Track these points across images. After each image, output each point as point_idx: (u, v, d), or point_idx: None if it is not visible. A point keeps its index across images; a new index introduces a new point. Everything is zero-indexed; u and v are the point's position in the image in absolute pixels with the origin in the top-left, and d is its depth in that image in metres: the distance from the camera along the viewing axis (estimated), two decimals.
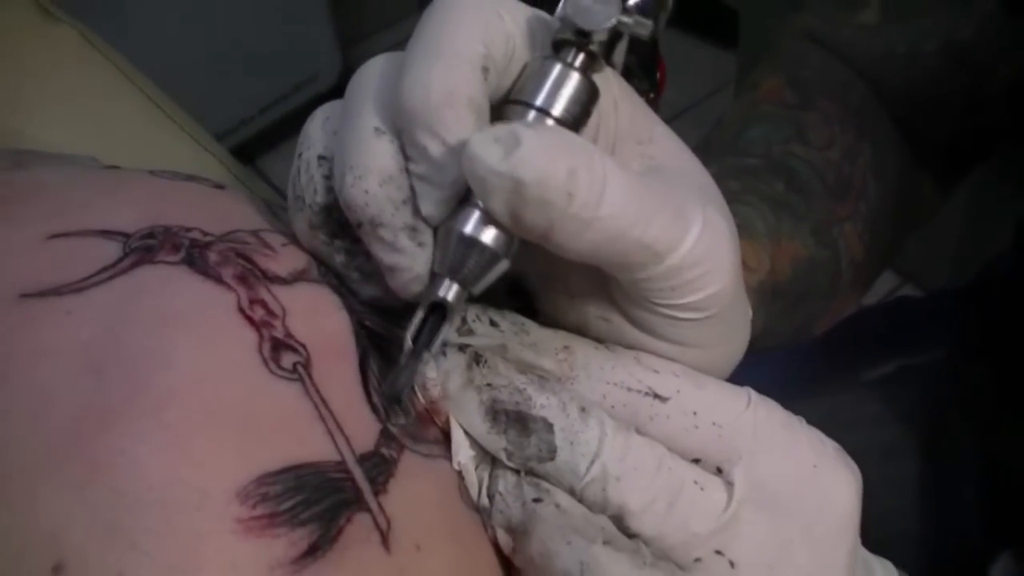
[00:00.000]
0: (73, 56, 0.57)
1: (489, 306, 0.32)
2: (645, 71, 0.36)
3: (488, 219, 0.27)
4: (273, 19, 1.77)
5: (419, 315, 0.28)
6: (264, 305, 0.28)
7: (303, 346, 0.28)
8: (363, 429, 0.27)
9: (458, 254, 0.28)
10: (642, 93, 0.35)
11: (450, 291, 0.28)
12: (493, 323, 0.31)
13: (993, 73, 0.56)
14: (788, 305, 0.51)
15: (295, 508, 0.25)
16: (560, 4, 0.28)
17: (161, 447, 0.24)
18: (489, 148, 0.26)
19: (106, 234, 0.29)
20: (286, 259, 0.30)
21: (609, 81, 0.30)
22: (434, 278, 0.28)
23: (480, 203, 0.27)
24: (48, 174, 0.32)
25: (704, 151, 0.54)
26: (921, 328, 0.79)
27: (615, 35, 0.29)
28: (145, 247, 0.29)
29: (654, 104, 0.35)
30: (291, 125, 1.71)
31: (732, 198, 0.50)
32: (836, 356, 0.79)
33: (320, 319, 0.29)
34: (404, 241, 0.28)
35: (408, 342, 0.28)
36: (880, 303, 0.85)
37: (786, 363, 0.78)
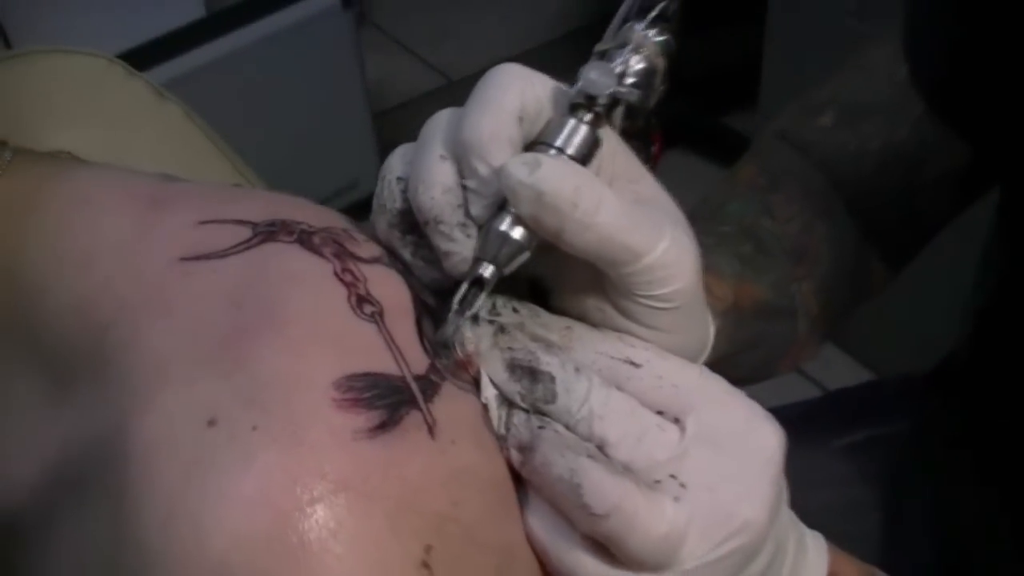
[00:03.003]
0: (177, 129, 0.70)
1: (514, 298, 0.43)
2: (643, 142, 0.48)
3: (517, 220, 0.39)
4: (318, 128, 1.95)
5: (464, 286, 0.40)
6: (352, 273, 0.40)
7: (378, 302, 0.39)
8: (417, 360, 0.39)
9: (494, 244, 0.40)
10: (641, 152, 0.48)
11: (487, 271, 0.40)
12: (515, 310, 0.43)
13: (924, 166, 0.68)
14: (749, 339, 0.62)
15: (371, 398, 0.36)
16: (577, 77, 0.41)
17: (283, 351, 0.36)
18: (520, 168, 0.38)
19: (240, 222, 0.41)
20: (367, 248, 0.42)
21: (610, 136, 0.42)
22: (476, 262, 0.40)
23: (512, 209, 0.39)
24: (193, 185, 0.44)
25: (688, 219, 0.66)
26: (888, 404, 0.90)
27: (614, 101, 0.41)
28: (268, 231, 0.40)
29: (652, 168, 0.48)
30: None
31: (706, 249, 0.62)
32: (813, 425, 0.89)
33: (389, 288, 0.40)
34: (457, 234, 0.40)
35: (455, 304, 0.40)
36: (855, 385, 0.96)
37: None
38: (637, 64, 0.42)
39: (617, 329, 0.42)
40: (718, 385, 0.42)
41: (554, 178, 0.38)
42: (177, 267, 0.39)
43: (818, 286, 0.68)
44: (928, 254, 0.79)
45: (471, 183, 0.40)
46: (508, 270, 0.40)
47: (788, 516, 0.44)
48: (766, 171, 0.71)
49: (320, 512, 0.33)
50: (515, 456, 0.40)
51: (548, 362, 0.40)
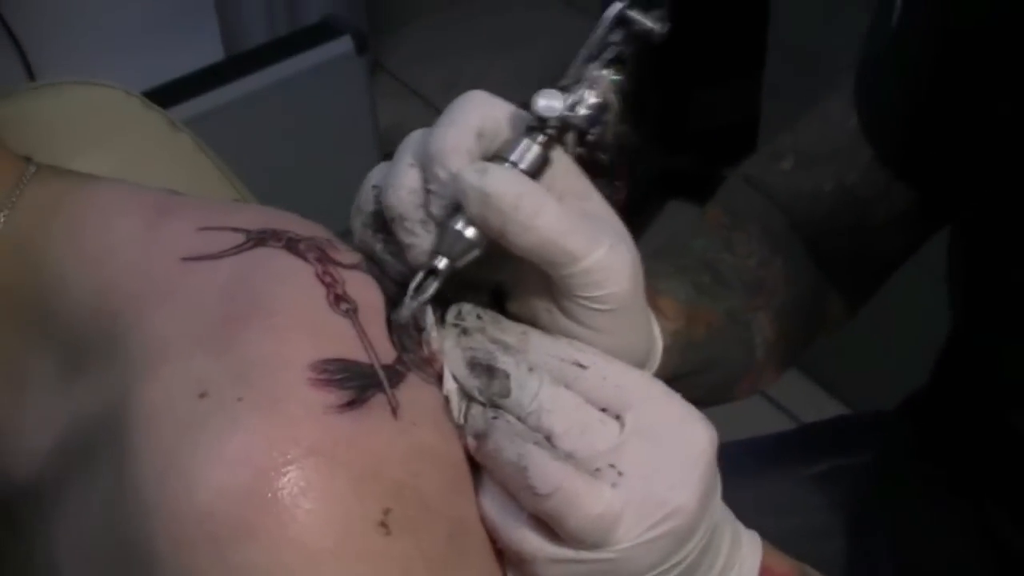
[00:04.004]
0: (188, 158, 0.75)
1: (478, 306, 0.48)
2: (608, 179, 0.54)
3: (470, 221, 0.44)
4: (329, 169, 2.01)
5: (420, 275, 0.45)
6: (331, 275, 0.45)
7: (353, 301, 0.44)
8: (386, 353, 0.44)
9: (449, 240, 0.45)
10: (605, 189, 0.53)
11: (442, 262, 0.45)
12: (479, 316, 0.48)
13: (874, 207, 0.73)
14: (704, 360, 0.67)
15: (342, 380, 0.41)
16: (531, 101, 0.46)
17: (267, 336, 0.41)
18: (471, 173, 0.43)
19: (236, 230, 0.46)
20: (347, 256, 0.47)
21: (562, 157, 0.47)
22: (433, 254, 0.45)
23: (465, 211, 0.44)
24: (194, 198, 0.50)
25: (656, 253, 0.72)
26: (856, 437, 0.94)
27: (564, 126, 0.47)
28: (260, 237, 0.46)
29: (617, 198, 0.53)
30: None
31: (665, 277, 0.67)
32: (784, 455, 0.94)
33: (364, 290, 0.46)
34: (418, 229, 0.46)
35: (411, 290, 0.45)
36: (825, 419, 1.01)
37: (744, 455, 0.93)
38: (591, 98, 0.48)
39: (560, 329, 0.47)
40: (657, 387, 0.46)
41: (499, 183, 0.43)
42: (179, 265, 0.45)
43: (775, 315, 0.73)
44: (905, 291, 0.84)
45: (432, 186, 0.45)
46: (460, 264, 0.45)
47: (723, 510, 0.48)
48: (730, 211, 0.76)
49: (293, 472, 0.38)
50: (471, 443, 0.45)
51: (504, 361, 0.45)
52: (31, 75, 1.84)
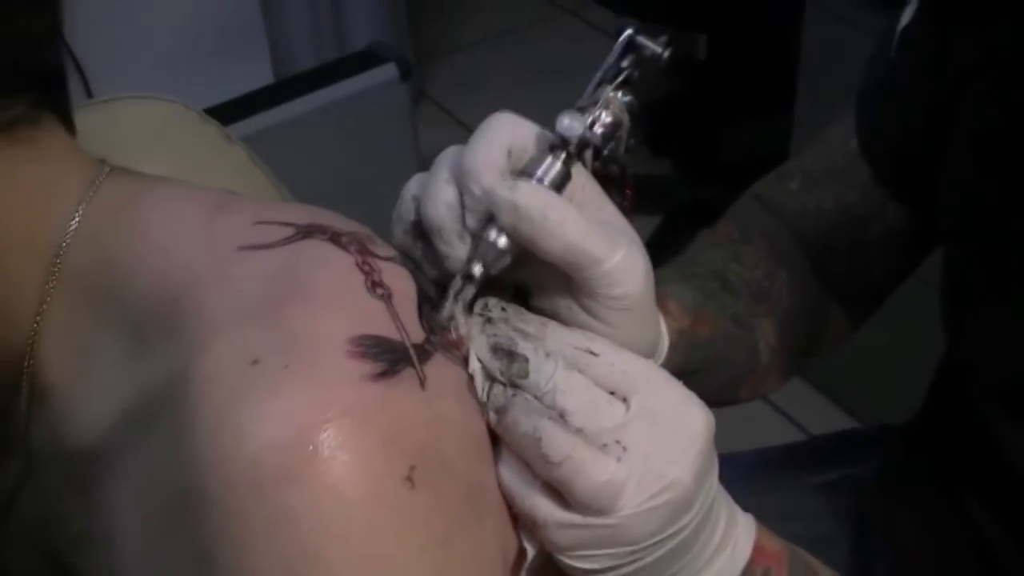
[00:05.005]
0: (242, 168, 0.82)
1: (503, 300, 0.54)
2: (619, 189, 0.59)
3: (502, 232, 0.50)
4: (371, 192, 2.06)
5: (458, 280, 0.51)
6: (369, 264, 0.51)
7: (388, 287, 0.50)
8: (415, 334, 0.50)
9: (484, 250, 0.51)
10: (616, 198, 0.59)
11: (477, 270, 0.51)
12: (503, 308, 0.54)
13: (872, 225, 0.79)
14: (707, 359, 0.72)
15: (376, 353, 0.47)
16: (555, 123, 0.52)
17: (311, 314, 0.47)
18: (503, 187, 0.49)
19: (286, 224, 0.52)
20: (384, 249, 0.53)
21: (580, 172, 0.53)
22: (469, 262, 0.51)
23: (498, 222, 0.50)
24: (249, 198, 0.56)
25: (669, 267, 0.78)
26: (861, 449, 0.99)
27: (583, 144, 0.53)
28: (307, 231, 0.52)
29: (627, 205, 0.59)
30: None
31: (675, 283, 0.73)
32: (791, 464, 0.99)
33: (398, 279, 0.52)
34: (455, 241, 0.52)
35: (451, 294, 0.51)
36: (832, 432, 1.06)
37: (753, 464, 0.98)
38: (606, 118, 0.54)
39: (580, 324, 0.53)
40: (661, 374, 0.52)
41: (528, 197, 0.49)
42: (234, 254, 0.51)
43: (778, 323, 0.78)
44: (915, 311, 0.89)
45: (468, 201, 0.51)
46: (494, 271, 0.51)
47: (721, 491, 0.53)
48: (740, 227, 0.82)
49: (331, 430, 0.44)
50: (492, 417, 0.50)
51: (524, 347, 0.51)
52: (89, 95, 1.93)
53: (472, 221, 0.51)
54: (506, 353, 0.51)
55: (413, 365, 0.48)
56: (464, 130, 2.67)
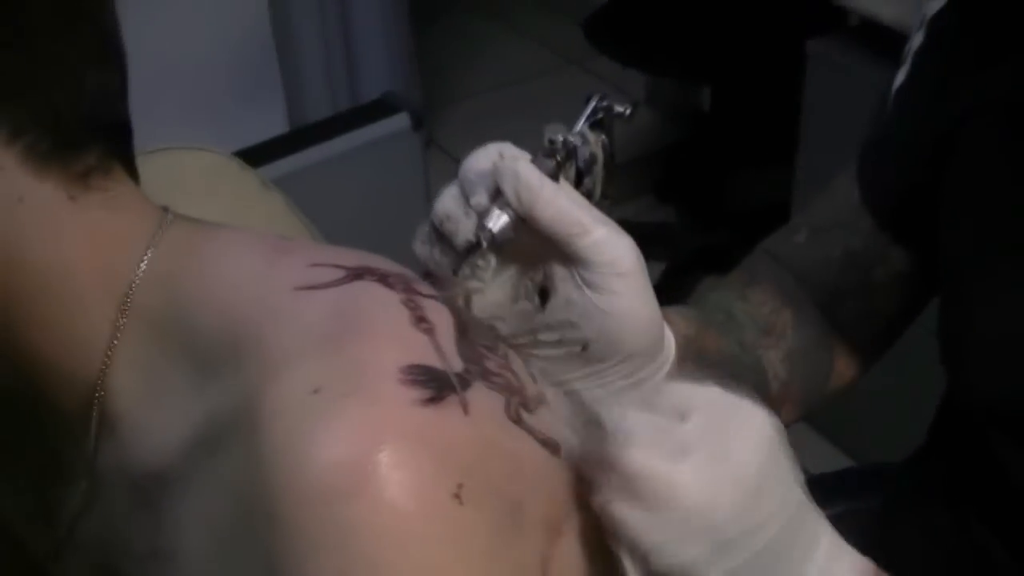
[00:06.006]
0: (281, 215, 0.87)
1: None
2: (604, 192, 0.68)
3: (503, 206, 0.58)
4: (384, 237, 2.11)
5: (471, 241, 0.59)
6: (414, 302, 0.56)
7: (431, 322, 0.55)
8: (456, 364, 0.55)
9: (490, 219, 0.58)
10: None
11: (483, 234, 0.58)
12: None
13: (876, 270, 0.84)
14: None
15: (425, 381, 0.52)
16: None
17: (366, 346, 0.52)
18: (507, 161, 0.57)
19: (338, 267, 0.57)
20: (426, 289, 0.58)
21: (565, 184, 0.60)
22: (477, 229, 0.59)
23: (501, 197, 0.57)
24: (303, 241, 0.61)
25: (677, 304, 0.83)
26: (865, 484, 1.04)
27: (567, 154, 0.61)
28: (358, 273, 0.57)
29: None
30: None
31: (676, 311, 0.78)
32: None
33: (439, 315, 0.56)
34: (462, 218, 0.60)
35: (464, 251, 0.60)
36: (836, 470, 1.10)
37: None
38: (583, 148, 0.62)
39: (586, 299, 0.59)
40: (717, 391, 0.57)
41: (528, 168, 0.57)
42: (294, 293, 0.56)
43: (785, 356, 0.83)
44: (917, 354, 0.93)
45: (468, 187, 0.60)
46: (499, 237, 0.58)
47: (823, 519, 0.58)
48: (748, 273, 0.88)
49: (388, 450, 0.49)
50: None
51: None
52: None
53: (476, 198, 0.60)
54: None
55: (457, 392, 0.53)
56: None
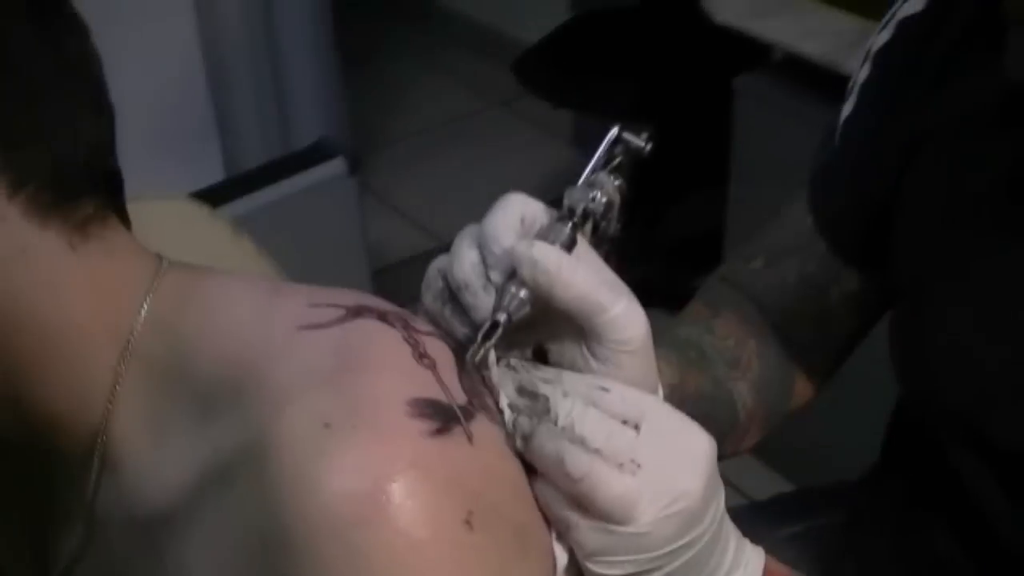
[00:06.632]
0: (252, 258, 0.88)
1: (524, 358, 0.61)
2: (609, 260, 0.68)
3: (521, 284, 0.57)
4: (322, 282, 2.12)
5: (485, 326, 0.58)
6: (415, 338, 0.58)
7: (432, 358, 0.57)
8: (459, 395, 0.57)
9: (506, 300, 0.57)
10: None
11: (502, 317, 0.57)
12: (525, 362, 0.60)
13: (830, 291, 0.88)
14: (697, 416, 0.79)
15: (431, 413, 0.54)
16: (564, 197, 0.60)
17: (373, 381, 0.54)
18: (523, 245, 0.57)
19: (337, 306, 0.59)
20: (423, 324, 0.60)
21: (582, 241, 0.60)
22: (494, 311, 0.58)
23: (519, 275, 0.57)
24: (296, 284, 0.63)
25: None
26: (824, 502, 1.07)
27: (585, 215, 0.60)
28: (356, 311, 0.59)
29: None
30: None
31: (660, 347, 0.80)
32: (759, 518, 1.06)
33: (439, 350, 0.58)
34: (481, 293, 0.58)
35: (480, 337, 0.58)
36: (794, 490, 1.14)
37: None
38: (602, 197, 0.62)
39: (591, 368, 0.59)
40: (664, 405, 0.59)
41: (545, 251, 0.57)
42: (295, 332, 0.57)
43: (751, 386, 0.87)
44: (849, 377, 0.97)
45: (489, 260, 0.59)
46: (516, 317, 0.58)
47: (727, 520, 0.60)
48: (709, 305, 0.91)
49: (400, 480, 0.51)
50: (520, 443, 0.57)
51: (544, 388, 0.58)
52: None
53: (496, 276, 0.59)
54: (530, 394, 0.58)
55: (461, 423, 0.55)
56: (401, 217, 2.76)
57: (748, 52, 1.91)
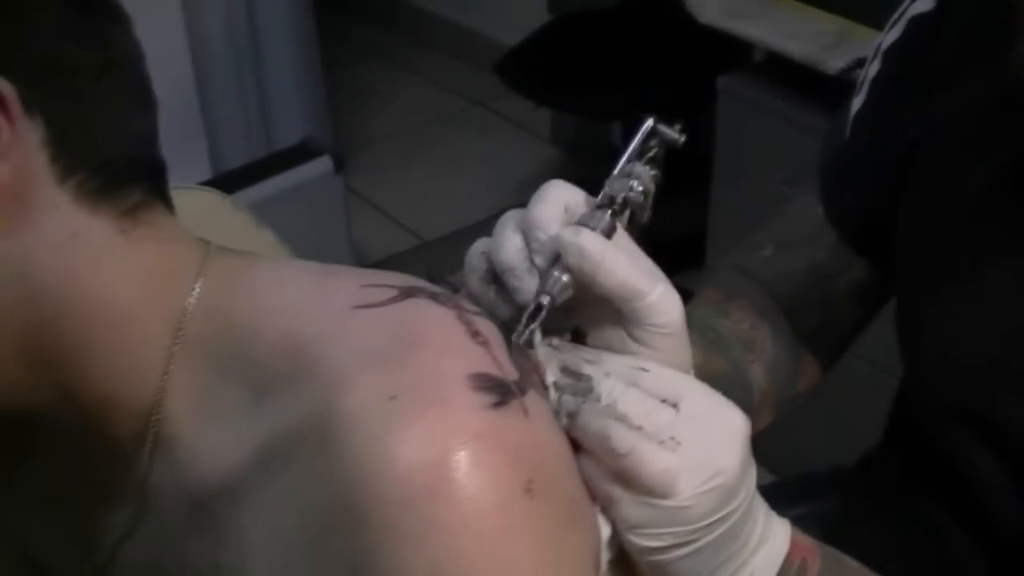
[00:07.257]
0: (273, 250, 0.90)
1: (565, 339, 0.64)
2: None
3: (564, 269, 0.59)
4: None
5: (530, 308, 0.60)
6: (466, 317, 0.60)
7: (484, 335, 0.60)
8: (511, 372, 0.59)
9: (550, 283, 0.60)
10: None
11: (545, 300, 0.60)
12: (569, 342, 0.63)
13: (839, 279, 0.92)
14: None
15: (490, 388, 0.56)
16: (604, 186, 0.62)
17: (434, 358, 0.57)
18: (569, 233, 0.59)
19: (388, 286, 0.61)
20: (470, 306, 0.62)
21: (619, 227, 0.63)
22: (537, 294, 0.60)
23: (562, 261, 0.59)
24: (342, 267, 0.65)
25: None
26: (821, 488, 1.10)
27: (624, 203, 0.63)
28: (409, 292, 0.61)
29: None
30: None
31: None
32: None
33: (488, 328, 0.60)
34: (525, 276, 0.61)
35: (524, 319, 0.60)
36: (792, 475, 1.17)
37: None
38: (639, 186, 0.64)
39: (630, 351, 0.62)
40: (701, 384, 0.62)
41: (591, 240, 0.59)
42: (352, 312, 0.59)
43: (765, 368, 0.90)
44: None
45: (534, 245, 0.61)
46: (559, 300, 0.60)
47: (759, 496, 0.62)
48: (721, 290, 0.94)
49: (465, 450, 0.53)
50: (565, 422, 0.60)
51: (587, 368, 0.61)
52: None
53: (540, 260, 0.61)
54: (573, 373, 0.61)
55: (517, 397, 0.57)
56: (383, 216, 2.77)
57: (730, 52, 1.94)
